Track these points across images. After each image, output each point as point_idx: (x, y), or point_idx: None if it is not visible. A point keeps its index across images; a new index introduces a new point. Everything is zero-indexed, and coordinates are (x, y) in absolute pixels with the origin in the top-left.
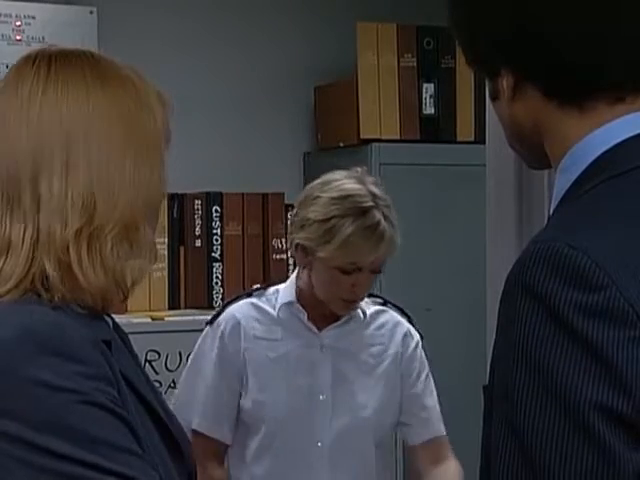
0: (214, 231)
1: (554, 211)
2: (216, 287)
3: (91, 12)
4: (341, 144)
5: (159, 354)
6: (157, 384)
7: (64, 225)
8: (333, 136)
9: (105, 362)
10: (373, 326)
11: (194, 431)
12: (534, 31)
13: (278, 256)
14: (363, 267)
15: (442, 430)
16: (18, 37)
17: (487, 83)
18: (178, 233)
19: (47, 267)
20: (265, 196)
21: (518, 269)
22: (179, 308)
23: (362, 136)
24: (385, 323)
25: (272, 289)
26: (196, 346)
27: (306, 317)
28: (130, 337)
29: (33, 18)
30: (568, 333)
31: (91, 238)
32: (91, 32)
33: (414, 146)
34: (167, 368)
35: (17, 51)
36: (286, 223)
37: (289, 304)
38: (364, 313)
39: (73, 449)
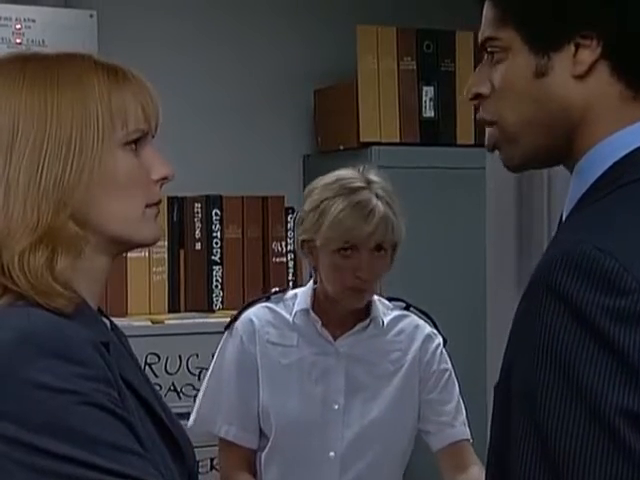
0: (214, 234)
1: (571, 213)
2: (216, 290)
3: (91, 15)
4: (341, 147)
5: (159, 357)
6: (157, 387)
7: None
8: (333, 139)
9: (104, 363)
10: (392, 333)
11: (222, 440)
12: None
13: (278, 259)
14: (359, 245)
15: (463, 434)
16: (18, 40)
17: (533, 59)
18: (178, 236)
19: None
20: (265, 199)
21: (543, 270)
22: (179, 311)
23: (362, 139)
24: (405, 328)
25: (291, 293)
26: (216, 353)
27: (320, 324)
28: (130, 340)
29: (33, 21)
30: (594, 336)
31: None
32: (91, 35)
33: (414, 149)
34: (167, 371)
35: None
36: (286, 226)
37: (305, 311)
38: (382, 321)
39: (74, 450)
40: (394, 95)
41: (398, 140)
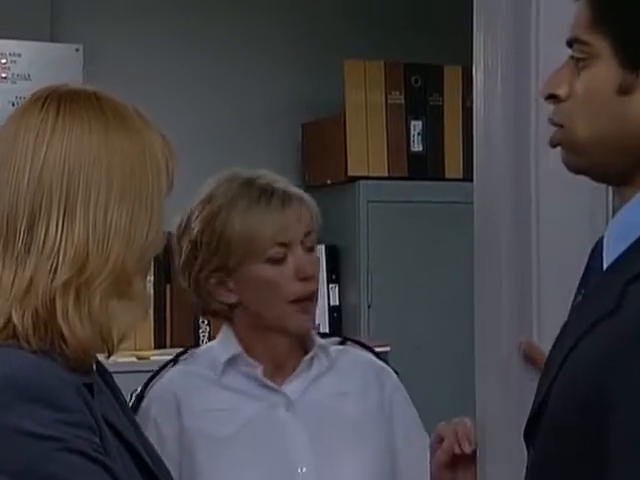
0: None
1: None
2: (202, 325)
3: (77, 50)
4: (329, 181)
5: None
6: None
7: (53, 274)
8: (320, 173)
9: (86, 408)
10: (340, 369)
11: None
12: None
13: None
14: (291, 241)
15: None
16: (4, 75)
17: (621, 73)
18: (164, 271)
19: (16, 317)
20: None
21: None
22: (165, 347)
23: (350, 173)
24: (353, 363)
25: (202, 348)
26: None
27: (261, 371)
28: (115, 377)
29: (19, 56)
30: None
31: (80, 289)
32: (77, 69)
33: (402, 183)
34: None
35: (2, 89)
36: None
37: (233, 359)
38: (326, 354)
39: None
40: (382, 129)
41: (386, 174)
